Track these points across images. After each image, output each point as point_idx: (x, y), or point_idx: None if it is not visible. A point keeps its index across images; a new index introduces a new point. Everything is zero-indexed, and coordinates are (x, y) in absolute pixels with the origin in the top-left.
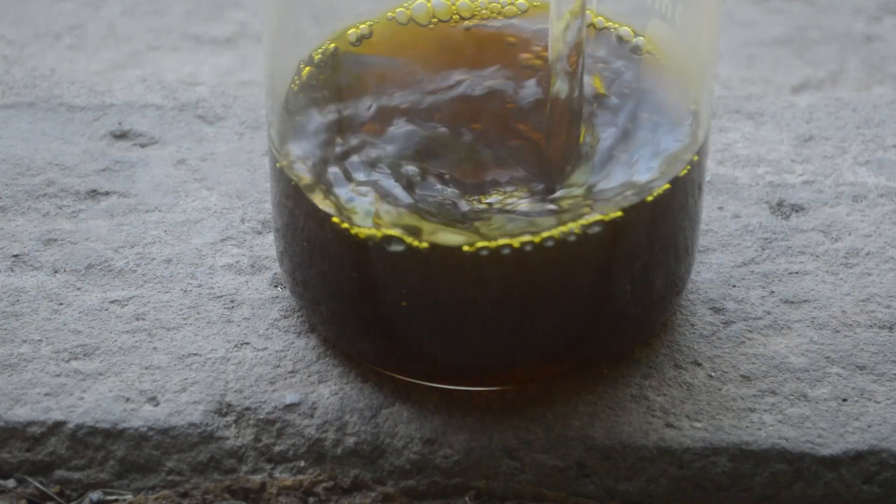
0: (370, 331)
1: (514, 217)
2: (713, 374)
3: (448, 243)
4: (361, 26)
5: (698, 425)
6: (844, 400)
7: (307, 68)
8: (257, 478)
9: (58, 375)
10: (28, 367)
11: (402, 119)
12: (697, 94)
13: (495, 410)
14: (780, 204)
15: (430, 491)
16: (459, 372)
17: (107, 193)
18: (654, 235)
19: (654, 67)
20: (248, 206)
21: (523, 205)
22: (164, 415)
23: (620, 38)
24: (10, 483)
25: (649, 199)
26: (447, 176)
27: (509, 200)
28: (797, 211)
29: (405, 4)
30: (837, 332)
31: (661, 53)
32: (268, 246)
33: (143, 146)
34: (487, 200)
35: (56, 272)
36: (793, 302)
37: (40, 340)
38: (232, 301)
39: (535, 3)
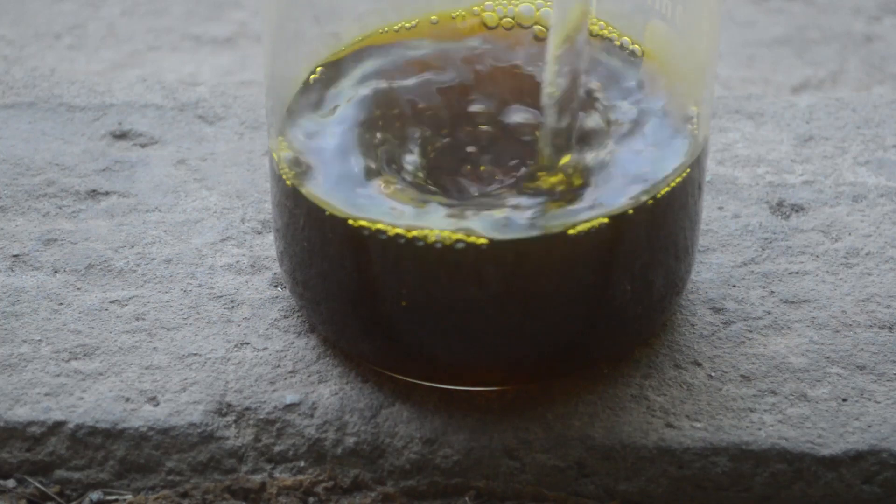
0: (370, 331)
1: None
2: (713, 374)
3: (448, 241)
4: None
5: (698, 425)
6: (844, 400)
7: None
8: (257, 478)
9: (58, 375)
10: (28, 367)
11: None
12: (697, 95)
13: (495, 410)
14: (780, 204)
15: (430, 491)
16: (459, 372)
17: (107, 193)
18: (654, 235)
19: (654, 67)
20: (248, 206)
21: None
22: (164, 415)
23: (621, 40)
24: (10, 483)
25: (649, 199)
26: (449, 174)
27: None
28: (797, 211)
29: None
30: (837, 332)
31: (660, 53)
32: (268, 246)
33: (143, 146)
34: (488, 200)
35: (56, 272)
36: (793, 302)
37: (40, 340)
38: (232, 301)
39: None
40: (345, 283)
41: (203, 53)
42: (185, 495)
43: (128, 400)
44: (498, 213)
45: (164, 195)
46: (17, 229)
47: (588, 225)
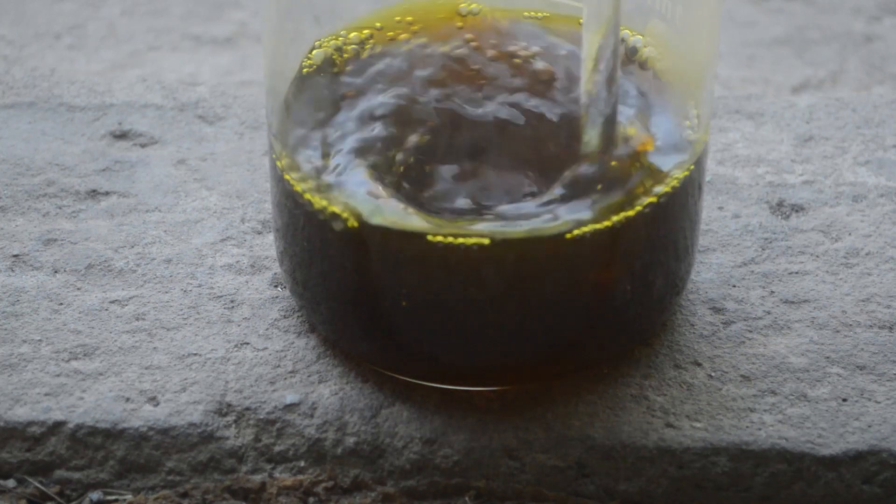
0: (370, 331)
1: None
2: (713, 374)
3: (449, 242)
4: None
5: (698, 425)
6: (844, 400)
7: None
8: (257, 478)
9: (58, 375)
10: (28, 367)
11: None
12: (697, 94)
13: (495, 410)
14: (780, 204)
15: (430, 491)
16: (459, 372)
17: (107, 193)
18: (654, 235)
19: (654, 68)
20: (248, 206)
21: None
22: (164, 415)
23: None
24: (10, 483)
25: (649, 199)
26: (451, 174)
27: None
28: (797, 211)
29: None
30: (837, 332)
31: (660, 53)
32: (268, 246)
33: (143, 146)
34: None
35: (56, 272)
36: (793, 302)
37: (40, 340)
38: (232, 301)
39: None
40: (345, 283)
41: (203, 53)
42: (185, 495)
43: (128, 400)
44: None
45: (164, 195)
46: (17, 229)
47: (589, 225)
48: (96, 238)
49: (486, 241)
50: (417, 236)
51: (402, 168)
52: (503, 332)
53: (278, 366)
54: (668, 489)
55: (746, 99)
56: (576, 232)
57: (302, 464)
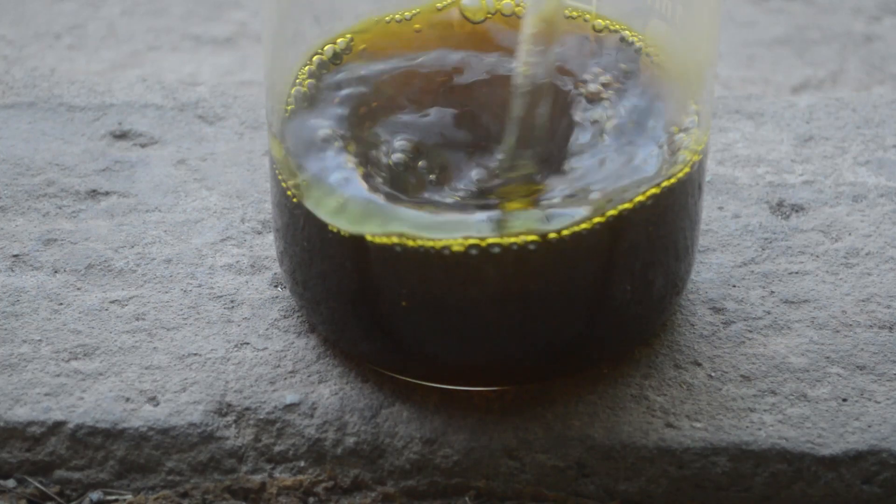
0: (370, 331)
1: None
2: (713, 374)
3: (445, 243)
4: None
5: (698, 425)
6: (844, 400)
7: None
8: (257, 478)
9: (58, 375)
10: (28, 367)
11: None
12: (697, 94)
13: (495, 410)
14: (780, 204)
15: (430, 491)
16: (459, 372)
17: (107, 193)
18: (654, 235)
19: (654, 67)
20: (248, 206)
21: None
22: (164, 415)
23: (622, 39)
24: (10, 483)
25: (649, 199)
26: (446, 174)
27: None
28: (797, 211)
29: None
30: (837, 332)
31: (661, 53)
32: (268, 246)
33: (143, 146)
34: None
35: (56, 272)
36: (793, 302)
37: (40, 340)
38: (232, 301)
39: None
40: (345, 283)
41: (203, 53)
42: (185, 495)
43: (128, 400)
44: (497, 213)
45: (164, 195)
46: (17, 229)
47: (589, 225)
48: (96, 238)
49: (484, 241)
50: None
51: (401, 167)
52: (503, 332)
53: (278, 366)
54: (668, 489)
55: (746, 99)
56: (576, 231)
57: (302, 464)
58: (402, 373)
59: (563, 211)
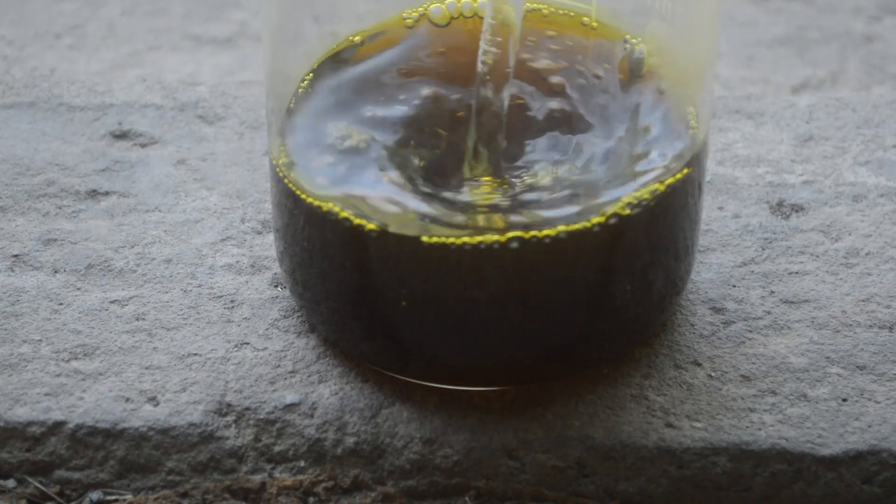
0: (370, 331)
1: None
2: (713, 374)
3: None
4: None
5: (698, 425)
6: (844, 400)
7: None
8: (257, 478)
9: (58, 375)
10: (28, 367)
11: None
12: (697, 94)
13: (495, 410)
14: (780, 204)
15: (430, 491)
16: (459, 372)
17: (107, 193)
18: (654, 235)
19: (654, 67)
20: (248, 206)
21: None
22: (164, 415)
23: (621, 39)
24: (10, 483)
25: (649, 199)
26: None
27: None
28: (797, 211)
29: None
30: (837, 332)
31: (660, 53)
32: (268, 246)
33: (143, 146)
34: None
35: (56, 272)
36: (793, 302)
37: (40, 340)
38: (232, 301)
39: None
40: (345, 283)
41: (203, 53)
42: (185, 495)
43: (128, 400)
44: (495, 213)
45: (164, 195)
46: (17, 229)
47: (589, 225)
48: (96, 238)
49: (484, 241)
50: (416, 237)
51: (399, 167)
52: (503, 332)
53: (278, 366)
54: (668, 489)
55: (746, 99)
56: (576, 231)
57: (302, 464)
58: (402, 373)
59: (556, 213)
